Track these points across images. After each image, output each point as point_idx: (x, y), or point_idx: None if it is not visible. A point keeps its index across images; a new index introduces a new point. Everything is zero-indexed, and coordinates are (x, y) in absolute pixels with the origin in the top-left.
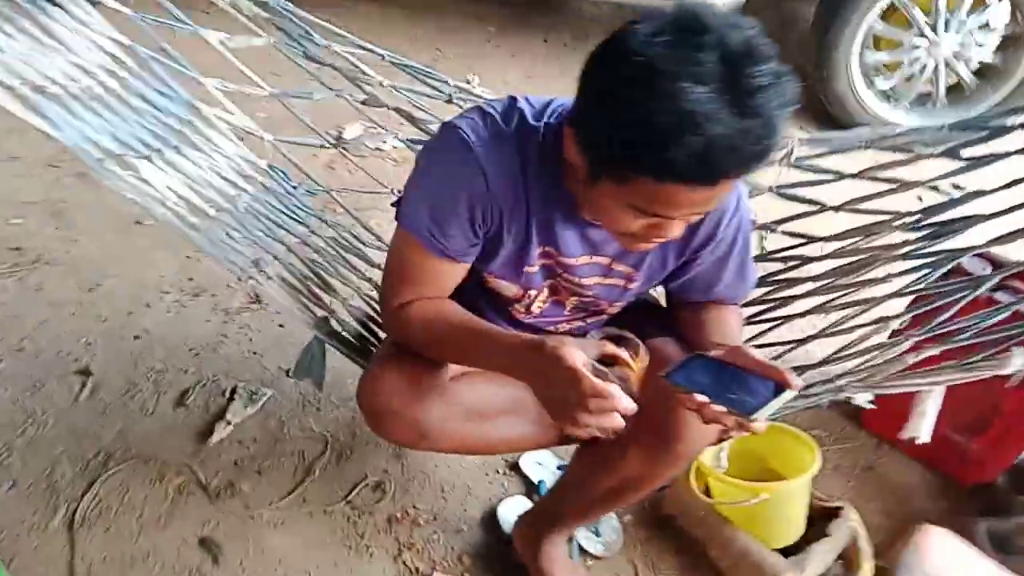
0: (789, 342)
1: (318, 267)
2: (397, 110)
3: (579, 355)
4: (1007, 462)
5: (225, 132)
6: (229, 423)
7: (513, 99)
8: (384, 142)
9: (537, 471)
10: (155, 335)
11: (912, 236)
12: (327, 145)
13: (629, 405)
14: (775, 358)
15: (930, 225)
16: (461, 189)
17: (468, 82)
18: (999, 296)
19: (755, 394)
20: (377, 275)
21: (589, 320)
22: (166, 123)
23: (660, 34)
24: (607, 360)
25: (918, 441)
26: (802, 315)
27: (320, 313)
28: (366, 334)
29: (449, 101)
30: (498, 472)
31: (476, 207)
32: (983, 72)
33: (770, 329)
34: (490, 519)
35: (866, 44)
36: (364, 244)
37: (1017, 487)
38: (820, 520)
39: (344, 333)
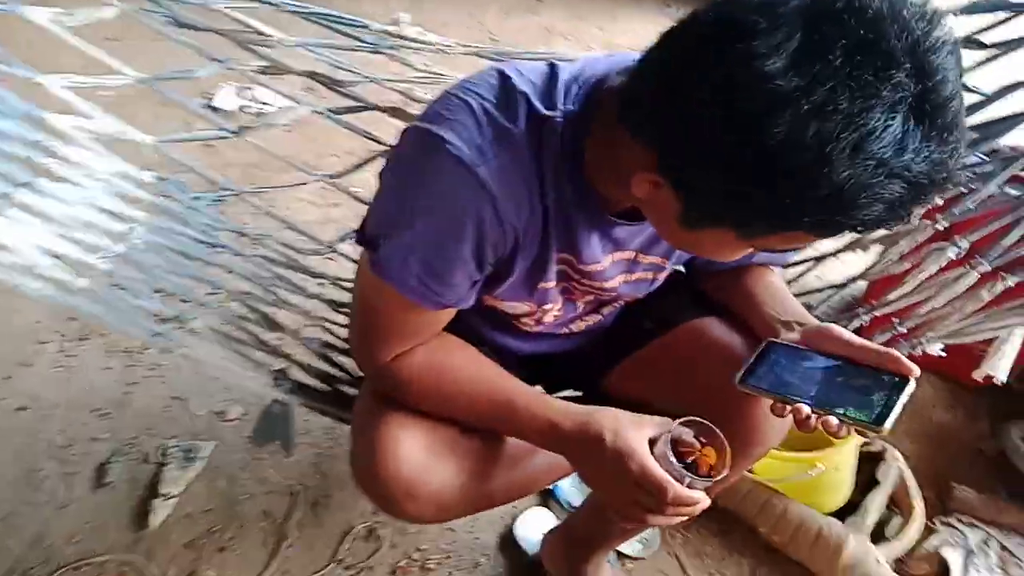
0: (831, 287)
1: (253, 300)
2: (311, 75)
3: (646, 453)
4: (1020, 360)
5: (89, 145)
6: (168, 496)
7: (503, 76)
8: (296, 115)
9: None
10: (45, 401)
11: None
12: (226, 135)
13: (706, 504)
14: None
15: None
16: (464, 227)
17: (395, 24)
18: None
19: (867, 391)
20: (330, 292)
21: (606, 311)
22: (4, 151)
23: (817, 54)
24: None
25: (996, 380)
26: (835, 254)
27: (274, 364)
28: (333, 370)
29: (376, 52)
30: None
31: (485, 244)
32: None
33: (800, 275)
34: (508, 542)
35: None
36: (299, 251)
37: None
38: (864, 465)
39: (310, 382)
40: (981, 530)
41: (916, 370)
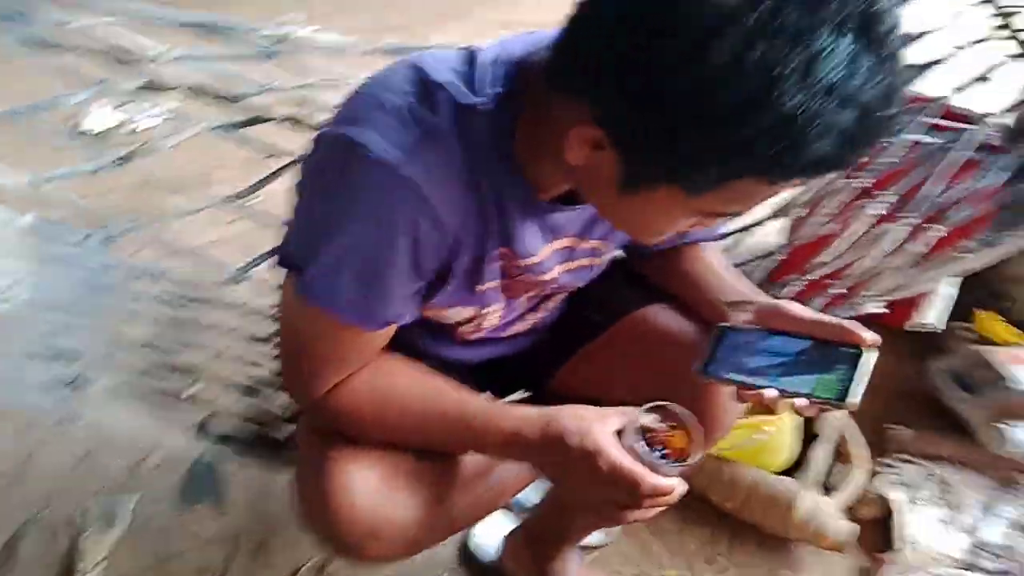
0: (758, 258)
1: (161, 346)
2: (196, 90)
3: (615, 449)
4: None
5: None
6: (97, 563)
7: (418, 69)
8: (185, 135)
9: None
10: None
11: None
12: (108, 166)
13: (683, 490)
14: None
15: None
16: (397, 237)
17: (286, 24)
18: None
19: (828, 366)
20: (247, 325)
21: (549, 306)
22: None
23: None
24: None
25: (930, 327)
26: (760, 223)
27: (195, 416)
28: (260, 415)
29: (268, 57)
30: None
31: (422, 251)
32: None
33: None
34: (467, 552)
35: None
36: (204, 283)
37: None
38: (805, 421)
39: (236, 432)
40: (919, 466)
41: (875, 338)
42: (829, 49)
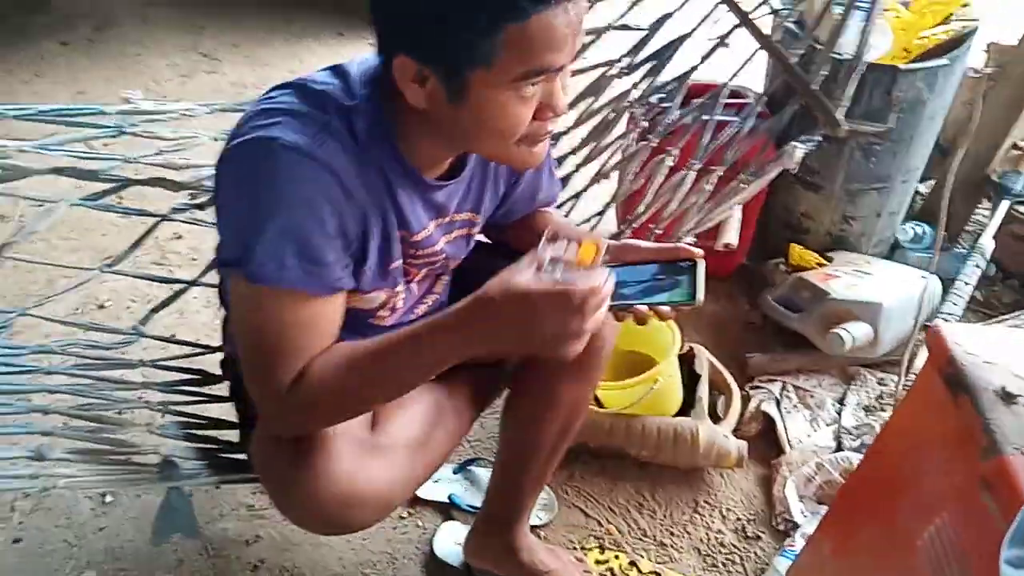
0: (594, 215)
1: (93, 410)
2: (56, 171)
3: (534, 282)
4: (747, 242)
5: None
6: None
7: (298, 86)
8: (55, 216)
9: (438, 488)
10: None
11: (635, 79)
12: None
13: (604, 294)
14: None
15: (644, 62)
16: (320, 206)
17: (128, 101)
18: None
19: (675, 280)
20: (155, 375)
21: (438, 288)
22: None
23: None
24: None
25: (732, 246)
26: (585, 190)
27: (151, 459)
28: (207, 445)
29: (121, 133)
30: (402, 519)
31: (343, 219)
32: None
33: (567, 213)
34: (434, 564)
35: None
36: (105, 347)
37: (763, 258)
38: (683, 367)
39: (194, 464)
40: (777, 381)
41: (700, 252)
42: None
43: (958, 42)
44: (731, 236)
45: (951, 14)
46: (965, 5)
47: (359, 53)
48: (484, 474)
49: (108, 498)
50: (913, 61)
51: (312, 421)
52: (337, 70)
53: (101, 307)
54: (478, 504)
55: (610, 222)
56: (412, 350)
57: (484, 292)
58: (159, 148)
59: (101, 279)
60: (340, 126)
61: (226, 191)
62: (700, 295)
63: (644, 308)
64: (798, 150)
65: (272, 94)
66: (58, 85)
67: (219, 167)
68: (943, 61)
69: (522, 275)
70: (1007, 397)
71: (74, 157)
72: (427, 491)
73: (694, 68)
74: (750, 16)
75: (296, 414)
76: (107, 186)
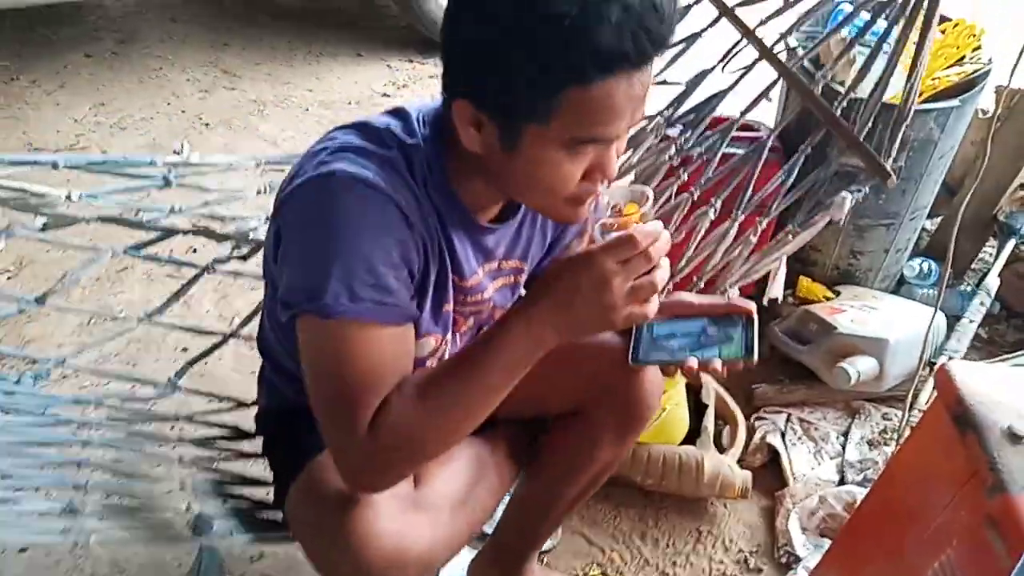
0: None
1: (125, 466)
2: (102, 219)
3: (594, 246)
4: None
5: None
6: None
7: (360, 125)
8: (100, 265)
9: None
10: None
11: (676, 131)
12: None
13: (665, 239)
14: None
15: (685, 115)
16: (387, 233)
17: (178, 153)
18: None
19: (728, 334)
20: (190, 431)
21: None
22: None
23: None
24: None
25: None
26: None
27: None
28: (239, 503)
29: (167, 184)
30: None
31: (406, 249)
32: None
33: None
34: None
35: None
36: (143, 400)
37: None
38: (689, 396)
39: (227, 521)
40: (783, 413)
41: (752, 306)
42: None
43: (970, 84)
44: (777, 290)
45: (964, 56)
46: (977, 48)
47: (376, 74)
48: None
49: None
50: (925, 101)
51: (402, 461)
52: (397, 112)
53: (115, 319)
54: (488, 530)
55: None
56: (488, 352)
57: (546, 277)
58: (205, 200)
59: (113, 290)
60: (400, 162)
61: (291, 230)
62: (757, 350)
63: (694, 363)
64: (847, 200)
65: (333, 134)
66: (80, 96)
67: (282, 208)
68: (955, 103)
69: (579, 249)
70: (1013, 437)
71: (120, 206)
72: None
73: (735, 123)
74: (786, 64)
75: (383, 454)
76: (152, 235)
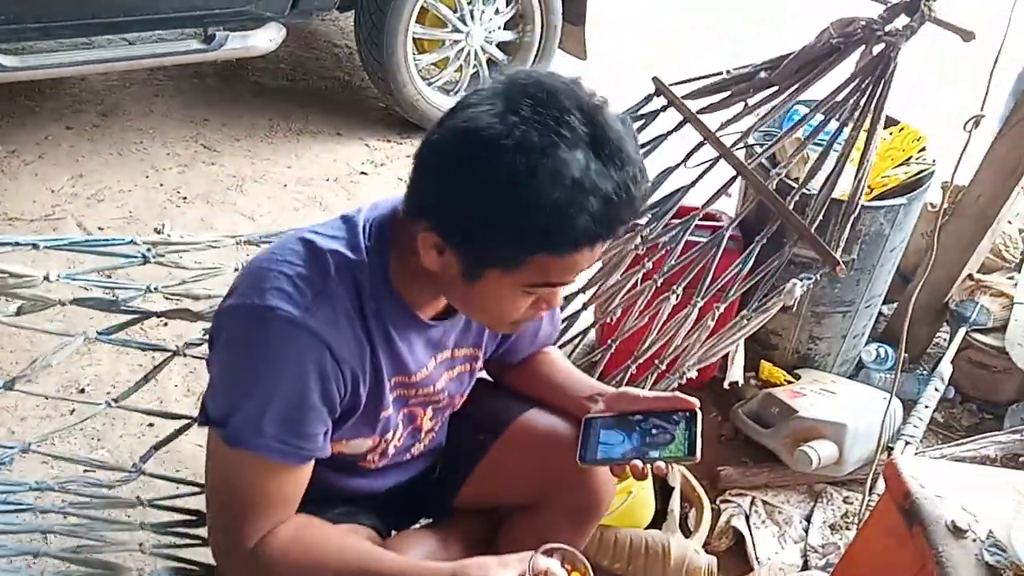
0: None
1: (85, 551)
2: (78, 302)
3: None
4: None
5: None
6: None
7: (306, 241)
8: (71, 349)
9: None
10: None
11: (643, 220)
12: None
13: None
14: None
15: (651, 207)
16: (309, 379)
17: (159, 231)
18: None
19: (671, 432)
20: (151, 515)
21: (438, 426)
22: None
23: (514, 111)
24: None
25: (738, 384)
26: (591, 327)
27: None
28: None
29: (145, 262)
30: None
31: (330, 388)
32: (506, 49)
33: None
34: None
35: (412, 50)
36: (107, 486)
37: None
38: (655, 477)
39: None
40: (747, 495)
41: (696, 402)
42: (570, 159)
43: (917, 184)
44: (736, 374)
45: (910, 157)
46: (923, 150)
47: (355, 152)
48: None
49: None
50: (876, 199)
51: None
52: (347, 220)
53: (82, 391)
54: None
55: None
56: (380, 569)
57: (465, 569)
58: (182, 279)
59: (82, 363)
60: (338, 287)
61: (218, 351)
62: (699, 450)
63: (640, 464)
64: (797, 287)
65: (284, 243)
66: (59, 167)
67: (216, 320)
68: (903, 200)
69: (499, 570)
70: (956, 531)
71: (97, 286)
72: None
73: (697, 215)
74: (744, 162)
75: (262, 574)
76: (127, 318)
